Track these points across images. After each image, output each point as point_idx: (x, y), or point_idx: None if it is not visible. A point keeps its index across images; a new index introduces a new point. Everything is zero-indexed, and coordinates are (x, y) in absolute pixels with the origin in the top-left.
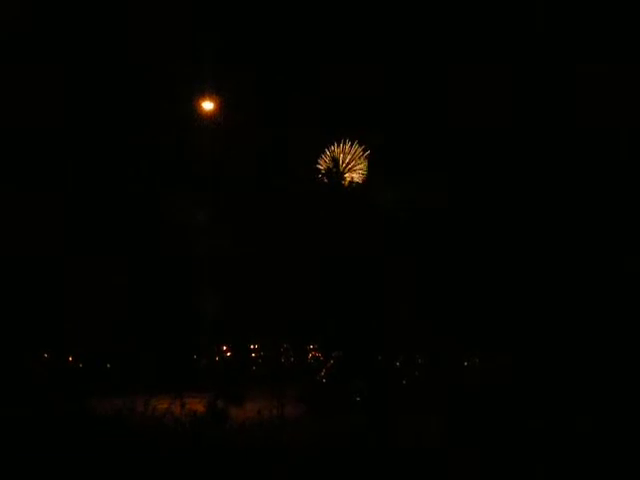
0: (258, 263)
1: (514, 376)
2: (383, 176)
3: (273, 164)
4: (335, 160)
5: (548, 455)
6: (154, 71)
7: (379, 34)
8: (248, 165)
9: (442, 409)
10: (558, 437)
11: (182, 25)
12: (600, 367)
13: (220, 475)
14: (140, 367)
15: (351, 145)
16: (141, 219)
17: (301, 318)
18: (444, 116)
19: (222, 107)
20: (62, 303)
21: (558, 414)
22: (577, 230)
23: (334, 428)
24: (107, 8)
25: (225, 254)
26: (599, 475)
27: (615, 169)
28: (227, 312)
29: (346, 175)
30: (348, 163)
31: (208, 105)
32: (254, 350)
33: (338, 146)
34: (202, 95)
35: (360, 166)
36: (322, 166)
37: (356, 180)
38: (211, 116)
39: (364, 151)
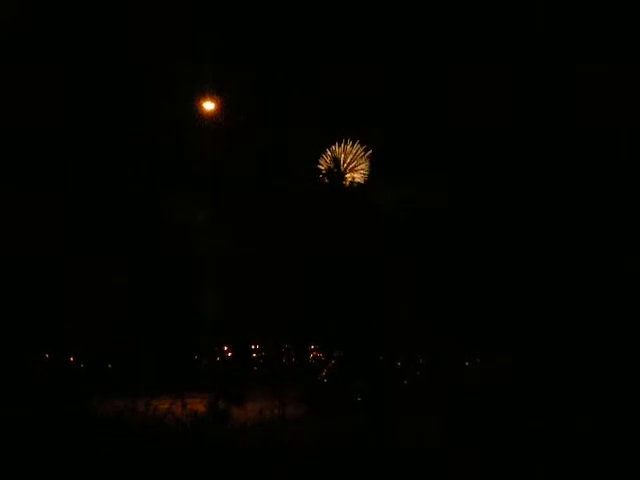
0: (258, 263)
1: (514, 376)
2: (384, 176)
3: (273, 164)
4: (336, 160)
5: (548, 455)
6: (154, 71)
7: (379, 34)
8: (248, 165)
9: (443, 409)
10: (558, 437)
11: (182, 25)
12: (600, 367)
13: (221, 475)
14: (141, 367)
15: (352, 145)
16: (141, 219)
17: (302, 318)
18: (444, 116)
19: (222, 107)
20: (62, 303)
21: (558, 414)
22: (577, 230)
23: (335, 428)
24: (107, 8)
25: (225, 254)
26: (599, 475)
27: (615, 169)
28: (228, 312)
29: (347, 175)
30: (349, 163)
31: (208, 105)
32: (255, 350)
33: (339, 146)
34: (202, 95)
35: (362, 166)
36: (323, 166)
37: (358, 180)
38: (211, 116)
39: (365, 151)
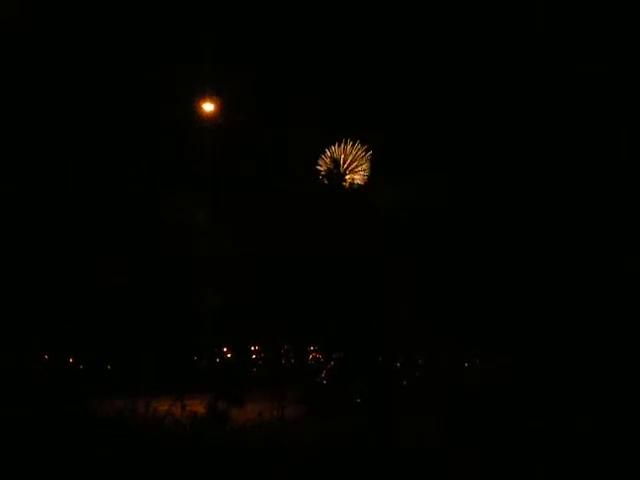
0: (258, 263)
1: (514, 376)
2: (384, 176)
3: (273, 164)
4: (335, 161)
5: (548, 455)
6: (154, 72)
7: (379, 34)
8: (248, 165)
9: (442, 409)
10: (558, 437)
11: (182, 25)
12: (600, 367)
13: (221, 476)
14: (141, 368)
15: (352, 145)
16: (141, 219)
17: (302, 319)
18: (444, 116)
19: (222, 107)
20: (62, 303)
21: (558, 414)
22: (577, 230)
23: (335, 429)
24: (107, 8)
25: (225, 254)
26: (599, 475)
27: (615, 169)
28: (227, 313)
29: (347, 177)
30: (349, 164)
31: (208, 106)
32: (255, 351)
33: (339, 146)
34: (202, 95)
35: (362, 167)
36: (322, 167)
37: (358, 182)
38: (211, 116)
39: (366, 151)
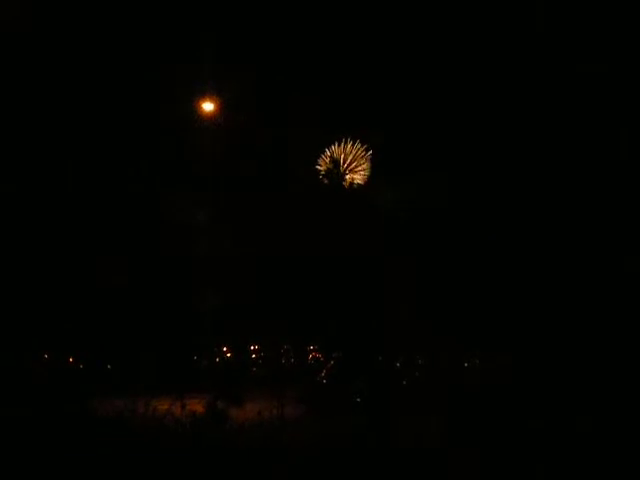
0: (258, 263)
1: (514, 376)
2: (384, 176)
3: (273, 164)
4: (335, 161)
5: (548, 455)
6: (154, 72)
7: (379, 34)
8: (248, 165)
9: (442, 409)
10: (558, 437)
11: (182, 25)
12: (600, 367)
13: (220, 475)
14: (141, 368)
15: (352, 145)
16: (141, 219)
17: (301, 319)
18: (444, 116)
19: (222, 107)
20: (62, 303)
21: (558, 414)
22: (577, 230)
23: (334, 429)
24: (107, 8)
25: (225, 254)
26: (599, 475)
27: (615, 169)
28: (227, 312)
29: (347, 177)
30: (349, 164)
31: (208, 106)
32: (254, 351)
33: (339, 146)
34: (202, 95)
35: (362, 167)
36: (322, 167)
37: (358, 181)
38: (211, 116)
39: (366, 151)
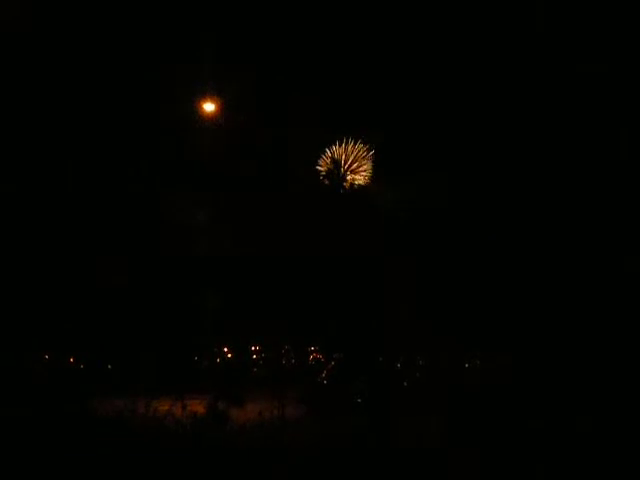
0: (259, 264)
1: (514, 376)
2: (384, 176)
3: (273, 164)
4: (336, 162)
5: (548, 455)
6: (154, 72)
7: (379, 34)
8: (248, 165)
9: (443, 410)
10: (558, 437)
11: (182, 25)
12: (600, 367)
13: (221, 476)
14: (141, 368)
15: (354, 145)
16: (141, 219)
17: (302, 319)
18: (445, 116)
19: (222, 107)
20: (62, 303)
21: (558, 414)
22: (577, 230)
23: (335, 429)
24: (107, 8)
25: (225, 254)
26: (599, 475)
27: (615, 169)
28: (228, 313)
29: (348, 177)
30: (350, 164)
31: (209, 106)
32: (255, 351)
33: (340, 146)
34: (202, 95)
35: (364, 167)
36: (322, 168)
37: (359, 182)
38: (211, 116)
39: (368, 151)
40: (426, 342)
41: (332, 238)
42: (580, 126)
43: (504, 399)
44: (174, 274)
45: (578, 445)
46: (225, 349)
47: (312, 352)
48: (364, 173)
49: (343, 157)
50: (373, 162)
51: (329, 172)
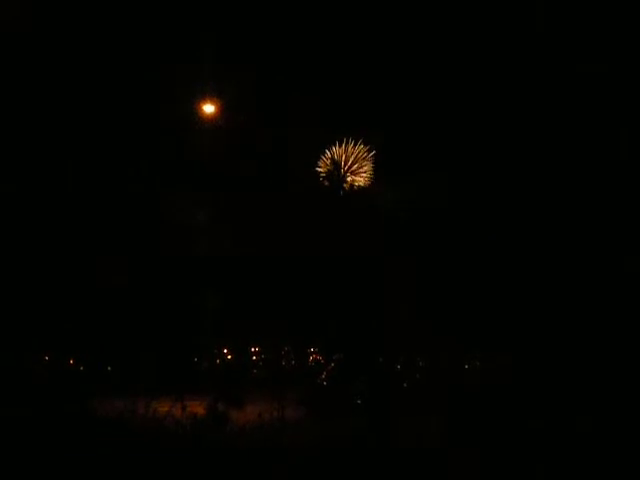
0: (258, 264)
1: (514, 376)
2: (384, 176)
3: (273, 164)
4: (336, 163)
5: (548, 455)
6: (154, 72)
7: (379, 34)
8: (248, 165)
9: (443, 411)
10: (558, 437)
11: (182, 25)
12: (600, 367)
13: (221, 477)
14: (141, 369)
15: (354, 145)
16: (141, 219)
17: (302, 320)
18: (445, 116)
19: (222, 107)
20: (62, 303)
21: (558, 414)
22: (577, 230)
23: (335, 430)
24: (107, 8)
25: (225, 254)
26: (599, 475)
27: (615, 169)
28: (228, 314)
29: (348, 179)
30: (350, 165)
31: (209, 107)
32: (255, 353)
33: (339, 146)
34: (202, 95)
35: (364, 168)
36: (322, 169)
37: (359, 184)
38: (211, 116)
39: (368, 152)
40: (426, 343)
41: (332, 238)
42: (580, 126)
43: (504, 399)
44: (174, 274)
45: (578, 445)
46: (225, 350)
47: (312, 353)
48: (364, 174)
49: (343, 158)
50: (373, 163)
51: (329, 173)
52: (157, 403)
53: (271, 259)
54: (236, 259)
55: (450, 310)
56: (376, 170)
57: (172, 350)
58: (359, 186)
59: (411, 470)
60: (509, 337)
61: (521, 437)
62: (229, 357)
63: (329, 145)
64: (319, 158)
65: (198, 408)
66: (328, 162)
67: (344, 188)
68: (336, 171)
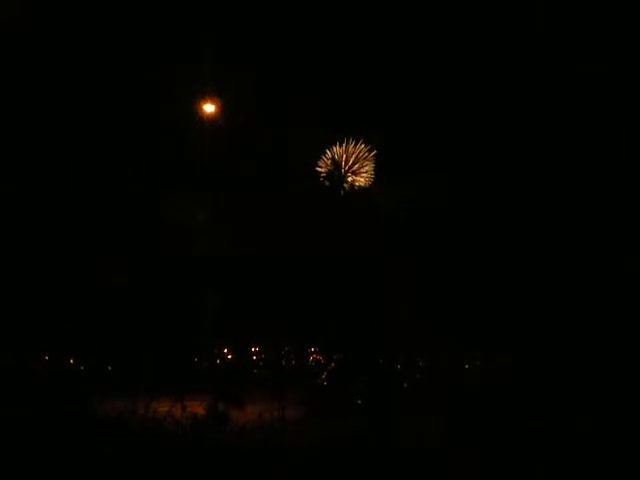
0: (258, 264)
1: (514, 376)
2: (384, 176)
3: (273, 164)
4: (336, 163)
5: (548, 455)
6: (154, 72)
7: (379, 33)
8: (248, 165)
9: (443, 410)
10: (558, 437)
11: (182, 25)
12: (600, 367)
13: (221, 477)
14: (141, 369)
15: (355, 145)
16: (141, 219)
17: (302, 320)
18: (445, 116)
19: (222, 107)
20: (62, 303)
21: (558, 414)
22: (577, 230)
23: (335, 430)
24: (107, 8)
25: (225, 254)
26: (599, 475)
27: (615, 169)
28: (228, 313)
29: (349, 179)
30: (351, 165)
31: (209, 107)
32: (255, 352)
33: (340, 146)
34: (202, 95)
35: (365, 168)
36: (322, 168)
37: (360, 184)
38: (211, 116)
39: (370, 151)
40: (426, 342)
41: (332, 238)
42: (580, 126)
43: (504, 399)
44: (174, 274)
45: (578, 445)
46: (225, 350)
47: (312, 353)
48: (365, 174)
49: (344, 158)
50: (375, 163)
51: (329, 173)
52: (157, 403)
53: (271, 259)
54: (236, 259)
55: (450, 310)
56: (376, 170)
57: (172, 350)
58: (360, 186)
59: (411, 470)
60: (509, 337)
61: (521, 437)
62: (229, 357)
63: (329, 145)
64: (319, 158)
65: (198, 408)
66: (329, 162)
67: (344, 188)
68: (337, 171)
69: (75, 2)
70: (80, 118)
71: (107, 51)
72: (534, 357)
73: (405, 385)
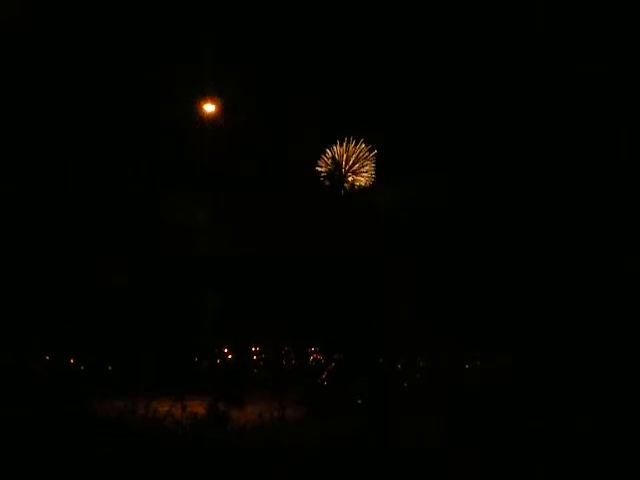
0: (259, 264)
1: (514, 376)
2: (384, 176)
3: (273, 164)
4: (337, 162)
5: (548, 455)
6: (155, 72)
7: (379, 33)
8: (248, 165)
9: (443, 410)
10: (558, 437)
11: (182, 25)
12: (600, 367)
13: (221, 477)
14: (141, 368)
15: (355, 145)
16: (141, 219)
17: (302, 320)
18: (445, 116)
19: (222, 107)
20: (62, 303)
21: (558, 414)
22: (577, 230)
23: (335, 430)
24: (107, 8)
25: (225, 254)
26: (599, 475)
27: (615, 169)
28: (228, 313)
29: (349, 179)
30: (352, 165)
31: (209, 107)
32: (255, 352)
33: (340, 146)
34: (202, 95)
35: (365, 168)
36: (323, 168)
37: (361, 183)
38: (211, 116)
39: (370, 151)
40: (426, 342)
41: (332, 238)
42: (580, 126)
43: (504, 399)
44: (174, 274)
45: (578, 445)
46: (225, 350)
47: (312, 353)
48: (366, 174)
49: (344, 157)
50: (375, 163)
51: (330, 173)
52: (157, 403)
53: (271, 259)
54: (236, 259)
55: (450, 310)
56: (377, 170)
57: (172, 350)
58: (360, 186)
59: (411, 470)
60: (509, 337)
61: (521, 437)
62: (229, 357)
63: (330, 145)
64: (319, 158)
65: (198, 408)
66: (329, 162)
67: (345, 188)
68: (337, 171)
69: (75, 2)
70: (80, 118)
71: (107, 51)
72: (534, 357)
73: (405, 385)
